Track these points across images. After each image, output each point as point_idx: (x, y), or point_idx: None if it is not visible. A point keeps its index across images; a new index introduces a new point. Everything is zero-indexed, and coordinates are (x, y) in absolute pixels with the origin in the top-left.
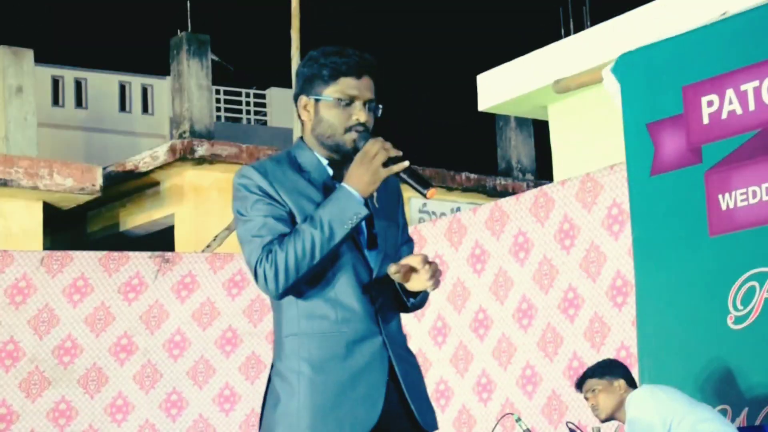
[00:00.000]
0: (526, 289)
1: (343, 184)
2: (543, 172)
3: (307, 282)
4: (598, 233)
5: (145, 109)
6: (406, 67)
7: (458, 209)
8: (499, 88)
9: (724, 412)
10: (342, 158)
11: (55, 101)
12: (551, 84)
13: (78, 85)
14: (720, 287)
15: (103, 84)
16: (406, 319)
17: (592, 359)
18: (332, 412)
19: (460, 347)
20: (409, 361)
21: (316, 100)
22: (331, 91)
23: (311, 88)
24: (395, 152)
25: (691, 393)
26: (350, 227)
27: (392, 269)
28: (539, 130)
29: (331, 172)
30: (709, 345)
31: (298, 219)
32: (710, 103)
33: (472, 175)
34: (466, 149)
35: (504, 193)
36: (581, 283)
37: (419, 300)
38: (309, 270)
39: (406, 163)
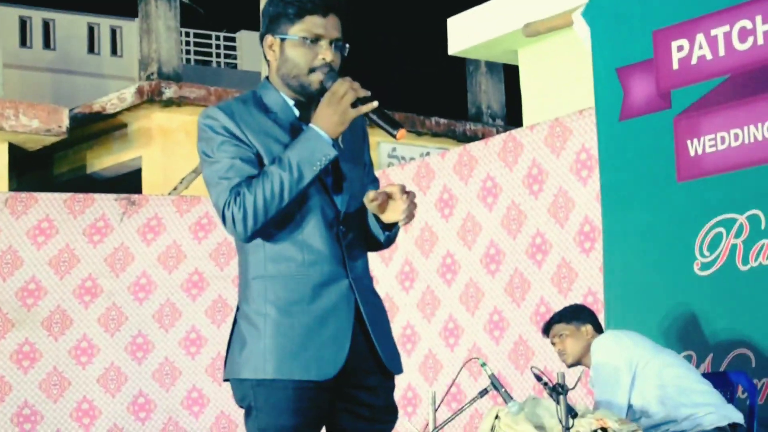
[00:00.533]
0: (494, 234)
1: (311, 125)
2: (513, 118)
3: (275, 225)
4: (567, 178)
5: (114, 51)
6: (376, 10)
7: (428, 154)
8: (469, 32)
9: (689, 358)
10: (308, 99)
11: (23, 42)
12: (521, 28)
13: (46, 25)
14: (687, 233)
15: (71, 25)
16: (373, 263)
17: (559, 305)
18: (299, 354)
19: (427, 292)
20: (376, 304)
21: (282, 39)
22: (296, 30)
23: (277, 27)
24: (364, 92)
25: (656, 338)
26: (319, 168)
27: (370, 196)
28: (510, 76)
29: (297, 112)
30: (676, 291)
31: (266, 160)
32: (680, 48)
33: (442, 120)
34: (437, 94)
35: (474, 139)
36: (549, 228)
37: (393, 234)
38: (277, 212)
39: (375, 104)
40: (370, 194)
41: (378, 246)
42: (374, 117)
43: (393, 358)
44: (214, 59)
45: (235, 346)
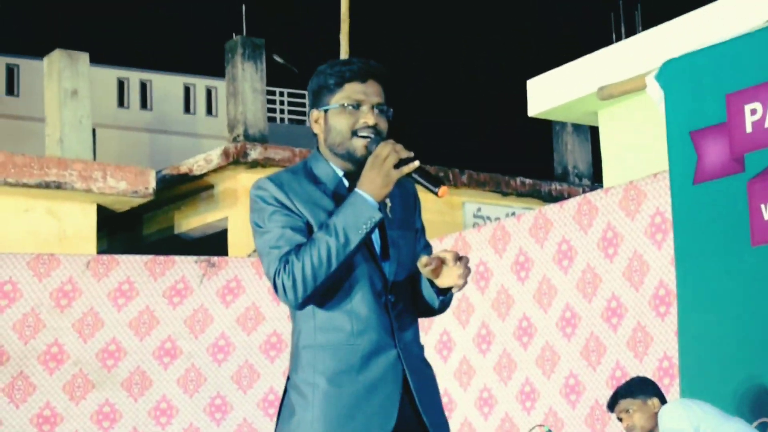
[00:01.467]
0: (569, 298)
1: (356, 189)
2: (600, 177)
3: (324, 294)
4: (641, 242)
5: (209, 111)
6: (458, 74)
7: (513, 214)
8: (548, 94)
9: (764, 426)
10: (356, 167)
11: (120, 103)
12: (595, 91)
13: (143, 86)
14: (762, 297)
15: (168, 86)
16: (450, 326)
17: (635, 369)
18: (346, 424)
19: (504, 355)
20: (424, 373)
21: (325, 111)
22: (337, 98)
23: (320, 100)
24: (406, 153)
25: (731, 404)
26: (365, 232)
27: (423, 261)
28: (595, 136)
29: (347, 183)
30: (751, 357)
31: (315, 230)
32: (753, 111)
33: (528, 180)
34: (522, 154)
35: (560, 198)
36: (624, 292)
37: (447, 299)
38: (327, 278)
39: (417, 163)
40: (423, 259)
41: (431, 312)
42: (416, 176)
43: (440, 428)
44: (307, 119)
45: (284, 416)
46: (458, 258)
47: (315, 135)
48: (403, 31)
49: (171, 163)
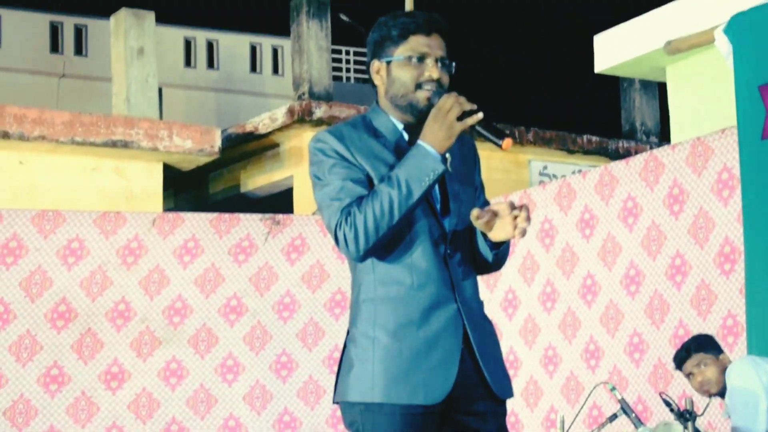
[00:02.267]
0: (633, 255)
1: (419, 141)
2: (667, 134)
3: (384, 247)
4: (708, 198)
5: (275, 70)
6: (525, 30)
7: (579, 172)
8: (615, 50)
9: None
10: (417, 120)
11: (187, 63)
12: (663, 46)
13: (210, 46)
14: None
15: (234, 45)
16: (516, 284)
17: (698, 327)
18: (406, 379)
19: (569, 313)
20: (485, 328)
21: (388, 62)
22: (401, 51)
23: (382, 51)
24: (470, 105)
25: None
26: (428, 184)
27: (475, 214)
28: (664, 92)
29: (406, 136)
30: None
31: (376, 182)
32: None
33: (594, 138)
34: (589, 111)
35: (627, 156)
36: (689, 249)
37: (502, 252)
38: (389, 230)
39: (481, 115)
40: (475, 212)
41: (488, 267)
42: (480, 129)
43: (502, 383)
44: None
45: (344, 370)
46: (513, 207)
47: (374, 86)
48: None
49: (237, 122)
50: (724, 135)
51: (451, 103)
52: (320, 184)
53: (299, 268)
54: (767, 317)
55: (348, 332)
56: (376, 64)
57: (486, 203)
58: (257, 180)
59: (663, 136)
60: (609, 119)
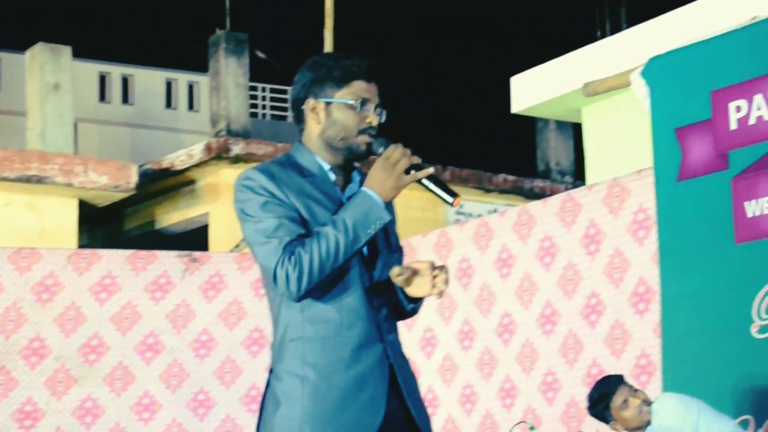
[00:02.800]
0: (550, 294)
1: (364, 188)
2: (582, 174)
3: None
4: (624, 239)
5: (190, 106)
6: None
7: (495, 211)
8: (532, 91)
9: (746, 423)
10: (346, 162)
11: (102, 97)
12: (581, 87)
13: (125, 81)
14: (744, 295)
15: (149, 81)
16: (433, 322)
17: (611, 366)
18: (336, 418)
19: (486, 351)
20: (407, 368)
21: (327, 103)
22: (344, 94)
23: (321, 90)
24: (417, 159)
25: (712, 402)
26: (373, 232)
27: (395, 272)
28: (578, 133)
29: (333, 176)
30: (733, 353)
31: (307, 220)
32: (738, 109)
33: (510, 177)
34: (504, 151)
35: (542, 195)
36: (604, 288)
37: (418, 306)
38: (331, 272)
39: (431, 170)
40: (395, 269)
41: (404, 315)
42: (429, 184)
43: (426, 422)
44: (289, 114)
45: (269, 409)
46: (434, 268)
47: (298, 124)
48: (387, 27)
49: (152, 158)
50: (640, 176)
51: (400, 155)
52: (252, 221)
53: (216, 305)
54: (682, 356)
55: (272, 370)
56: (311, 103)
57: (400, 249)
58: (173, 216)
59: (578, 175)
60: (524, 159)
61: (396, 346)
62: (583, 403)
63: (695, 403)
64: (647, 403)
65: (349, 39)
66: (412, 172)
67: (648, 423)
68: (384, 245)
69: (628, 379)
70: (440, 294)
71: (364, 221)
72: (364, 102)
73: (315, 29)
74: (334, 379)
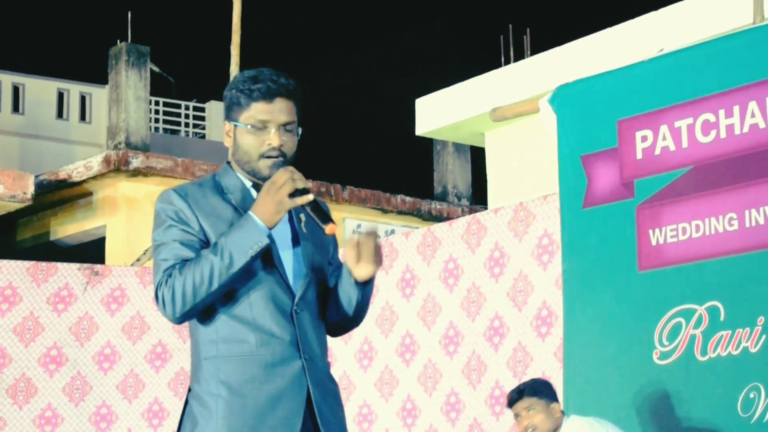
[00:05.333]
0: (453, 316)
1: (249, 212)
2: (479, 197)
3: (222, 303)
4: (528, 262)
5: (83, 117)
6: (345, 90)
7: (392, 232)
8: (437, 114)
9: None
10: (265, 182)
11: None
12: (488, 112)
13: (15, 90)
14: (647, 322)
15: (41, 90)
16: (332, 341)
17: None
18: None
19: (386, 371)
20: (329, 388)
21: (235, 126)
22: (244, 117)
23: (230, 113)
24: (303, 184)
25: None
26: (251, 256)
27: (353, 241)
28: (476, 156)
29: (254, 194)
30: (635, 379)
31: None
32: (644, 138)
33: (408, 198)
34: (403, 173)
35: (439, 218)
36: (507, 311)
37: (368, 291)
38: (208, 296)
39: (310, 197)
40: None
41: (346, 322)
42: (308, 209)
43: None
44: (182, 129)
45: (187, 427)
46: (376, 236)
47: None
48: (294, 45)
49: (42, 169)
50: (546, 201)
51: (285, 179)
52: (155, 244)
53: (119, 318)
54: (585, 380)
55: (189, 390)
56: (226, 125)
57: (340, 266)
58: (68, 228)
59: (475, 199)
60: (422, 181)
61: (318, 363)
62: (486, 424)
63: (602, 426)
64: (533, 428)
65: (256, 55)
66: (296, 197)
67: None
68: (309, 257)
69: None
70: (376, 265)
71: (241, 245)
72: (263, 125)
73: (222, 44)
74: (247, 396)
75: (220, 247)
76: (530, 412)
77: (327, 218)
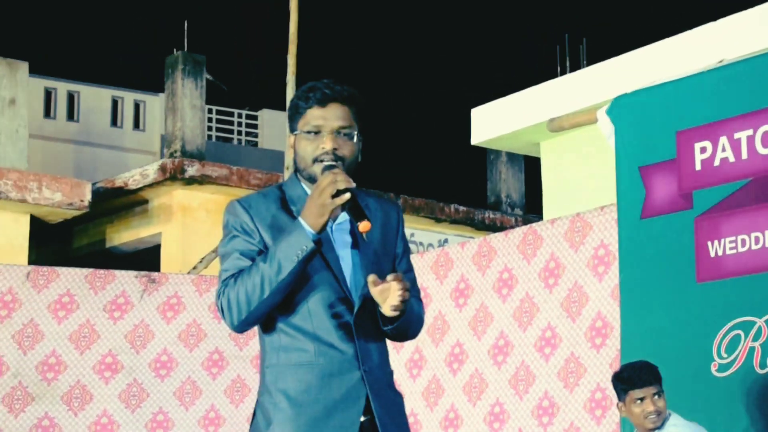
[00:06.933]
0: (504, 326)
1: (298, 218)
2: (531, 207)
3: (283, 313)
4: (583, 273)
5: (136, 125)
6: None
7: (446, 241)
8: (493, 123)
9: None
10: None
11: (47, 113)
12: (545, 122)
13: (71, 98)
14: (705, 334)
15: (95, 98)
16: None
17: (563, 399)
18: None
19: (433, 381)
20: (390, 398)
21: (295, 135)
22: (301, 124)
23: (292, 123)
24: (346, 184)
25: None
26: (298, 261)
27: (371, 279)
28: (529, 166)
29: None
30: (693, 391)
31: None
32: (703, 150)
33: (461, 208)
34: (457, 182)
35: (492, 227)
36: (560, 322)
37: (396, 329)
38: (262, 304)
39: (347, 196)
40: (371, 277)
41: (394, 338)
42: (345, 208)
43: None
44: (235, 136)
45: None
46: (399, 280)
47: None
48: (350, 55)
49: (96, 176)
50: (603, 212)
51: (328, 182)
52: (220, 255)
53: (175, 326)
54: None
55: (257, 400)
56: (290, 138)
57: (410, 269)
58: (124, 236)
59: (528, 208)
60: (475, 190)
61: (378, 373)
62: None
63: None
64: (658, 413)
65: (314, 65)
66: (335, 200)
67: (647, 431)
68: (371, 264)
69: (583, 412)
70: (395, 309)
71: (288, 251)
72: (317, 130)
73: (279, 53)
74: (303, 406)
75: (270, 254)
76: (660, 397)
77: (362, 215)
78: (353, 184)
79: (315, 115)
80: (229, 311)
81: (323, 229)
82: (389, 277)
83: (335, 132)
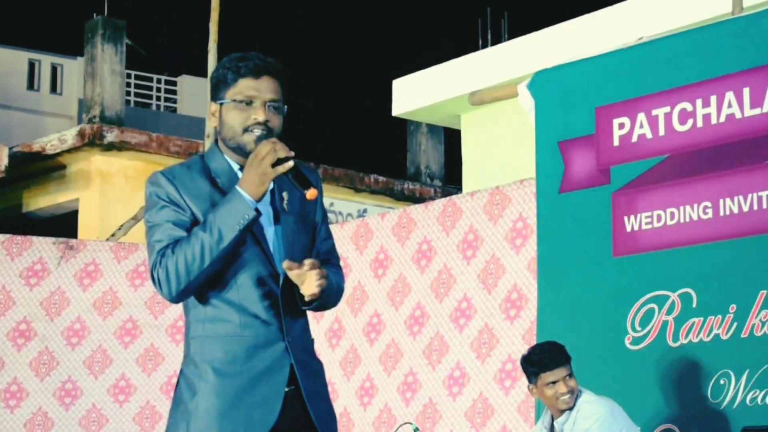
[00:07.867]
0: (422, 297)
1: (236, 186)
2: (451, 178)
3: (211, 286)
4: (501, 246)
5: (53, 89)
6: (323, 69)
7: (365, 211)
8: (414, 95)
9: None
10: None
11: None
12: (466, 95)
13: None
14: (620, 307)
15: (12, 60)
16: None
17: (476, 369)
18: (229, 414)
19: (351, 350)
20: (313, 367)
21: (220, 104)
22: (231, 94)
23: (217, 93)
24: (285, 152)
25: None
26: (239, 230)
27: (285, 264)
28: (450, 138)
29: (241, 176)
30: (607, 364)
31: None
32: (621, 126)
33: (381, 178)
34: (377, 152)
35: (411, 197)
36: (476, 293)
37: (315, 308)
38: (201, 273)
39: (291, 164)
40: (286, 263)
41: (313, 309)
42: (289, 176)
43: (327, 421)
44: (154, 102)
45: (174, 404)
46: (315, 267)
47: (214, 127)
48: (272, 24)
49: (11, 139)
50: (522, 185)
51: (267, 150)
52: (148, 226)
53: (91, 294)
54: None
55: (181, 368)
56: (212, 106)
57: (329, 236)
58: (41, 201)
59: (447, 179)
60: (395, 161)
61: (300, 343)
62: (441, 405)
63: (621, 413)
64: (571, 392)
65: (235, 34)
66: (277, 166)
67: (561, 412)
68: (294, 240)
69: (492, 382)
70: (315, 295)
71: (228, 219)
72: (249, 100)
73: (200, 21)
74: (229, 376)
75: (209, 224)
76: (571, 377)
77: (307, 183)
78: (292, 153)
79: (248, 86)
80: (167, 281)
81: (262, 198)
82: (306, 264)
83: (266, 104)
